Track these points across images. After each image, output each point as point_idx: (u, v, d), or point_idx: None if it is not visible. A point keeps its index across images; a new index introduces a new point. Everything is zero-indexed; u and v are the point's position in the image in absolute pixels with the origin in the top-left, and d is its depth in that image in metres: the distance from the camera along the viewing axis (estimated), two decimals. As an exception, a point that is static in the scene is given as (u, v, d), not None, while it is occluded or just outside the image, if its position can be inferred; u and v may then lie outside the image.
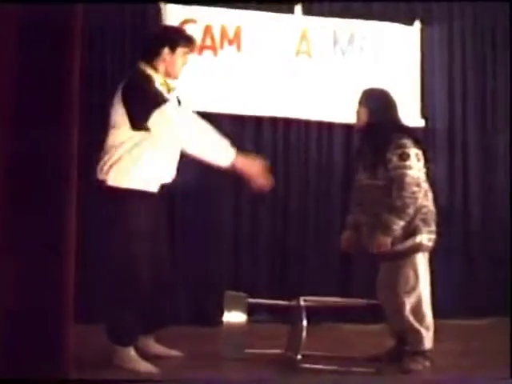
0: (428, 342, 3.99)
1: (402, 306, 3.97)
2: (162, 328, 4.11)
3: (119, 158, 3.70)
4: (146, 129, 3.65)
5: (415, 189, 3.90)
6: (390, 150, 3.94)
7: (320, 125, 5.59)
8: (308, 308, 3.98)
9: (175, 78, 3.93)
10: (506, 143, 5.94)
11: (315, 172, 5.60)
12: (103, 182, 3.73)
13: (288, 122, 5.55)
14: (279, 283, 5.35)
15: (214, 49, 5.34)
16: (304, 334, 3.87)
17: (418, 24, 5.72)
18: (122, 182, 3.70)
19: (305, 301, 4.02)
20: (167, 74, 3.87)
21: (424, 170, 4.00)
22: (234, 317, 3.96)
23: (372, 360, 4.05)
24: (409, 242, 3.95)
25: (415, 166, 3.93)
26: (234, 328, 3.95)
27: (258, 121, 5.48)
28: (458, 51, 5.90)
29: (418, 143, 4.02)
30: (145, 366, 3.75)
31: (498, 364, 3.90)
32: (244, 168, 3.70)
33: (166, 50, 3.83)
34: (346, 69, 5.56)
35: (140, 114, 3.64)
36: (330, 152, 5.63)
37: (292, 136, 5.57)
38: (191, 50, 4.02)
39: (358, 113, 4.17)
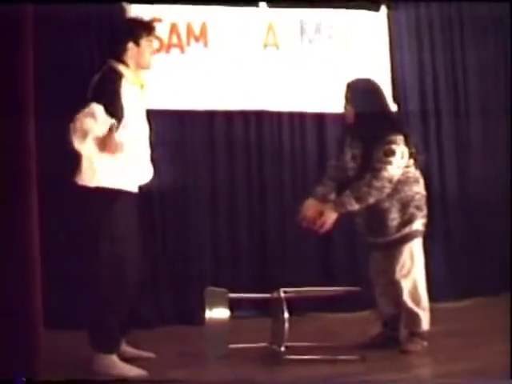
0: (425, 323, 4.07)
1: (399, 289, 4.03)
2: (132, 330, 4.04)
3: (94, 159, 3.63)
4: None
5: (386, 184, 3.93)
6: (379, 144, 3.95)
7: (292, 116, 5.56)
8: (289, 299, 3.96)
9: (147, 68, 3.93)
10: (479, 124, 5.97)
11: (290, 164, 5.56)
12: (81, 183, 3.66)
13: (259, 115, 5.50)
14: (260, 277, 5.29)
15: (180, 46, 5.28)
16: (286, 325, 3.84)
17: (384, 9, 5.69)
18: (100, 182, 3.63)
19: (285, 292, 3.99)
20: (138, 67, 3.86)
21: (403, 168, 3.99)
22: (216, 313, 3.91)
23: (357, 347, 4.04)
24: (406, 230, 4.02)
25: (396, 164, 3.94)
26: (217, 325, 3.90)
27: (229, 115, 5.44)
28: (426, 34, 5.87)
29: (406, 139, 4.02)
30: (133, 371, 3.67)
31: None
32: None
33: (131, 45, 3.80)
34: (315, 58, 5.51)
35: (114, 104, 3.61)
36: (304, 142, 5.60)
37: (264, 128, 5.53)
38: (155, 38, 4.09)
39: (345, 108, 4.15)
